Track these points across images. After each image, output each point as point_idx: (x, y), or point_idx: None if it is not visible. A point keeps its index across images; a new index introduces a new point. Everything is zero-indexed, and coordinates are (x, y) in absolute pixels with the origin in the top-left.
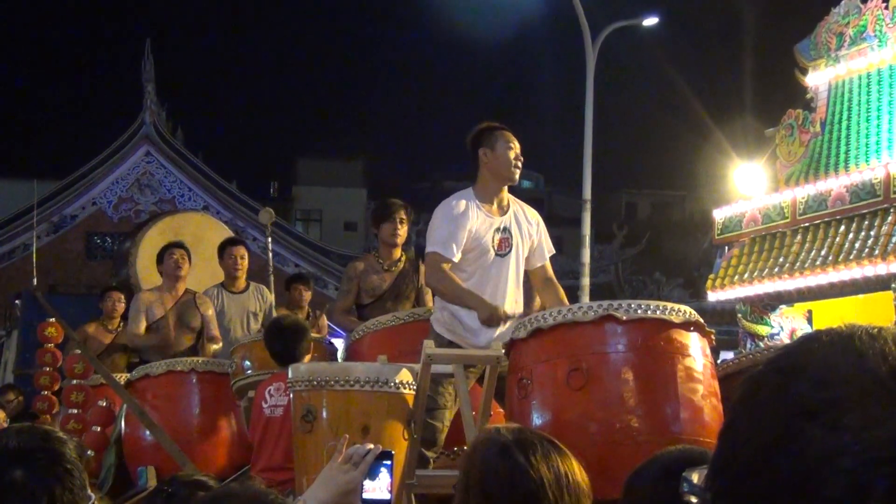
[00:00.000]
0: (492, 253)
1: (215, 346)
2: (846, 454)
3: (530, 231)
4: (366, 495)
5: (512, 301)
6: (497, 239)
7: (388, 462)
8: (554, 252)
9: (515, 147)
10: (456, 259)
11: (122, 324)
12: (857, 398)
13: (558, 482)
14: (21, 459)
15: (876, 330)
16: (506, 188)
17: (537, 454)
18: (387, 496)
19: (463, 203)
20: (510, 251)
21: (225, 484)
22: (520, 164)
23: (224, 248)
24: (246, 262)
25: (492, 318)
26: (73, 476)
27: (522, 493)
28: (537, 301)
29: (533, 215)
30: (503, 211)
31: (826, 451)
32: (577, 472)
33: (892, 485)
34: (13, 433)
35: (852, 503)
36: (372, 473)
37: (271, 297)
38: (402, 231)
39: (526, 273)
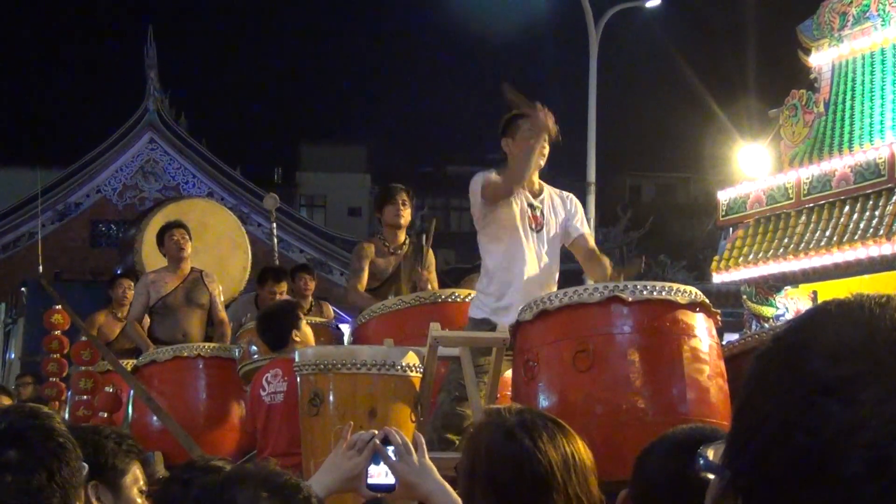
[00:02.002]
0: (525, 228)
1: (227, 331)
2: (865, 429)
3: (563, 210)
4: (371, 480)
5: (544, 279)
6: (529, 215)
7: (392, 447)
8: (589, 230)
9: None
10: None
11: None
12: (872, 371)
13: (565, 463)
14: (14, 440)
15: (885, 299)
16: (535, 174)
17: (543, 436)
18: (392, 480)
19: (496, 175)
20: (542, 229)
21: (239, 465)
22: (544, 154)
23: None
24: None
25: (541, 127)
26: (66, 450)
27: (530, 476)
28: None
29: (564, 194)
30: (535, 193)
31: (844, 427)
32: (583, 451)
33: None
34: (1, 415)
35: (873, 477)
36: (376, 458)
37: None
38: (406, 213)
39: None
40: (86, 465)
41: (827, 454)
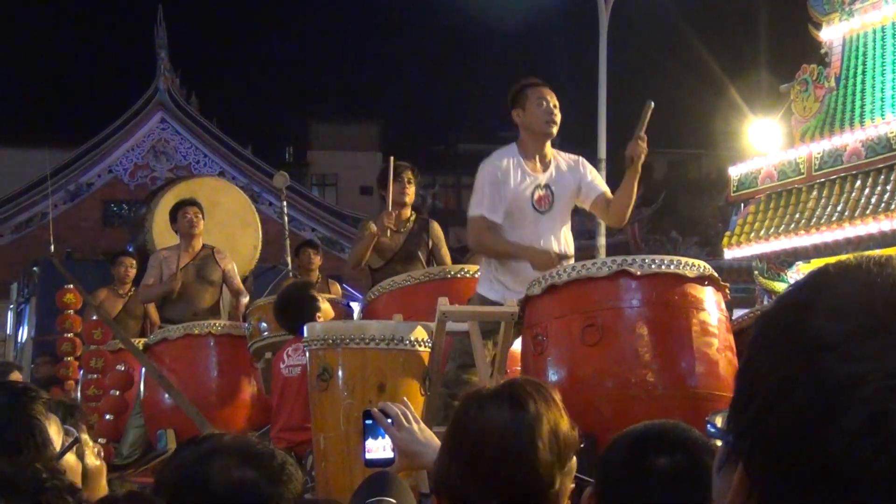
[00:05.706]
0: (532, 210)
1: (244, 299)
2: (864, 383)
3: (573, 177)
4: (369, 455)
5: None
6: (538, 195)
7: (389, 420)
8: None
9: (549, 101)
10: (499, 220)
11: (133, 289)
12: (871, 327)
13: (548, 432)
14: None
15: (884, 259)
16: (548, 143)
17: (527, 405)
18: (390, 455)
19: (504, 162)
20: (551, 208)
21: (215, 437)
22: (555, 118)
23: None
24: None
25: (545, 263)
26: (34, 438)
27: (514, 445)
28: None
29: (574, 159)
30: (545, 166)
31: (844, 382)
32: (565, 421)
33: None
34: None
35: (872, 432)
36: (374, 433)
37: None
38: (410, 191)
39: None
40: (76, 434)
41: (826, 409)
